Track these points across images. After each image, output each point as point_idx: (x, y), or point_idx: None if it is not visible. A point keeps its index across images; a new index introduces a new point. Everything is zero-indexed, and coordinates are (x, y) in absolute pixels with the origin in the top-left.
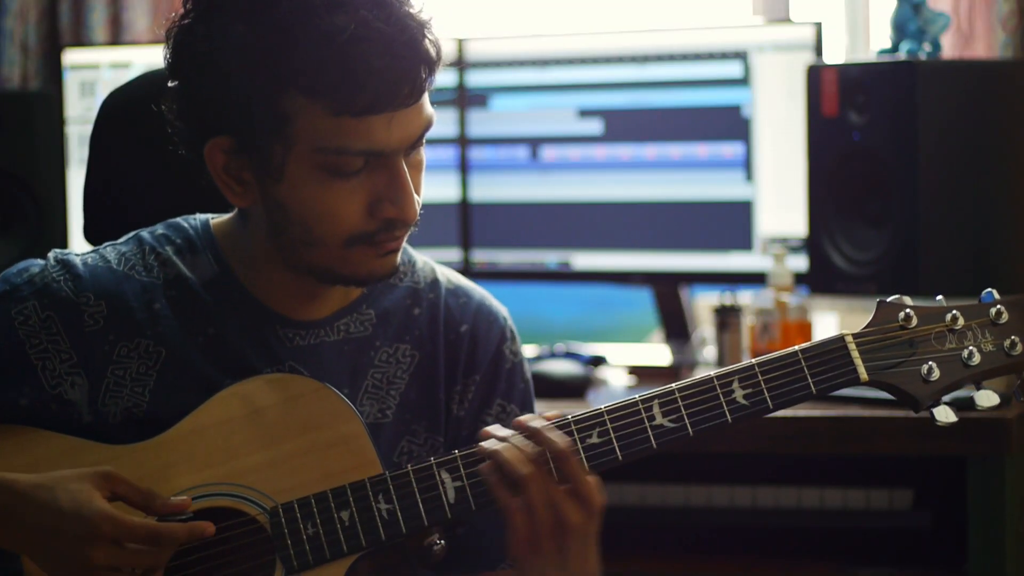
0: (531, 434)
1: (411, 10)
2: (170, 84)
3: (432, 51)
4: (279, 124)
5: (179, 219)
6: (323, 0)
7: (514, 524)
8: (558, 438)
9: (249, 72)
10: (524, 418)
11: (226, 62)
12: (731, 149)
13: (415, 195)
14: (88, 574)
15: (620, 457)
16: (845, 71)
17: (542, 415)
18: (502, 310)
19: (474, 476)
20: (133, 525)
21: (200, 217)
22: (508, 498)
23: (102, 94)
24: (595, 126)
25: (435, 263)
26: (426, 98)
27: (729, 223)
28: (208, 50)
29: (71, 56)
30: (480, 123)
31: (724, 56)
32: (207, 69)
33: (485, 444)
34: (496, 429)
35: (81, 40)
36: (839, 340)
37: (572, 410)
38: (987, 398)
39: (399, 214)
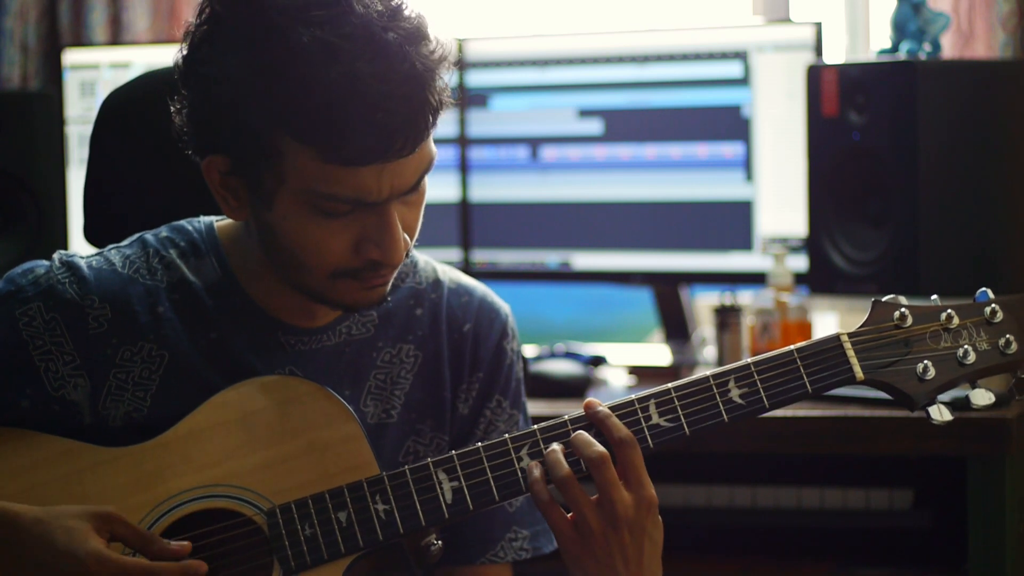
0: (598, 421)
1: (424, 51)
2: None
3: (434, 101)
4: (270, 158)
5: (183, 221)
6: (320, 48)
7: (553, 524)
8: (620, 427)
9: (242, 104)
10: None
11: (223, 91)
12: (731, 149)
13: (404, 237)
14: None
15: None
16: (845, 71)
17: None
18: (504, 307)
19: (471, 476)
20: (125, 565)
21: (204, 220)
22: (542, 494)
23: (102, 94)
24: (595, 126)
25: (436, 262)
26: (428, 139)
27: (729, 223)
28: (208, 74)
29: (71, 56)
30: (480, 123)
31: (724, 56)
32: (207, 92)
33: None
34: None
35: (81, 40)
36: (835, 339)
37: (572, 410)
38: (982, 397)
39: (383, 257)
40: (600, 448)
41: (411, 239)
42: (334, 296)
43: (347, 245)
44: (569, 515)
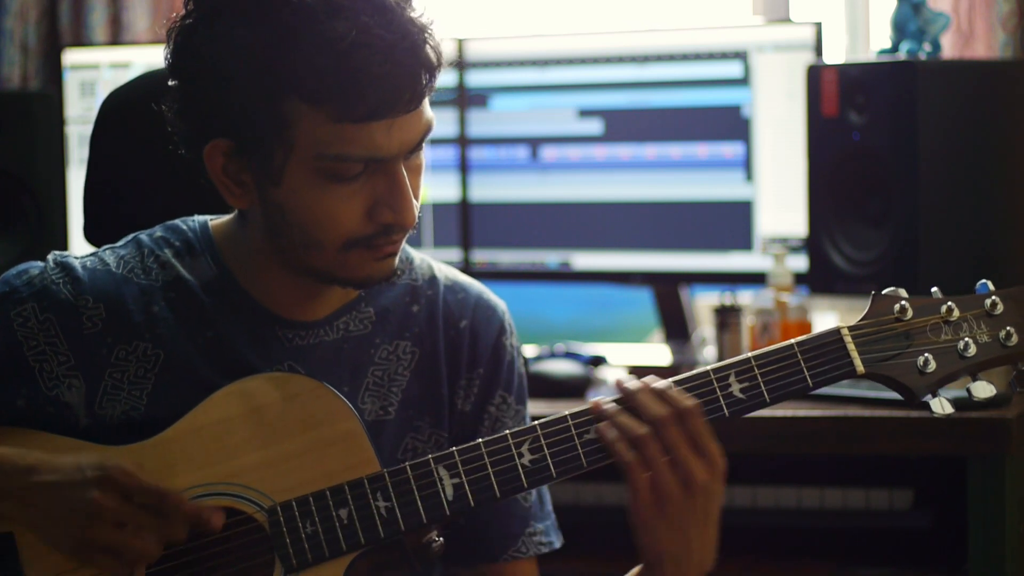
0: (659, 394)
1: (412, 15)
2: (170, 84)
3: (433, 56)
4: (279, 129)
5: (177, 221)
6: (324, 6)
7: (634, 484)
8: (685, 397)
9: (250, 77)
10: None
11: (227, 66)
12: (731, 149)
13: (413, 199)
14: (89, 526)
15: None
16: (845, 71)
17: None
18: (500, 304)
19: (472, 472)
20: (144, 482)
21: (198, 219)
22: (626, 454)
23: (102, 94)
24: (595, 126)
25: (432, 260)
26: (426, 103)
27: (729, 223)
28: (209, 53)
29: (71, 56)
30: (480, 123)
31: (724, 56)
32: (208, 71)
33: (603, 405)
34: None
35: (81, 40)
36: (835, 333)
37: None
38: (983, 389)
39: (397, 219)
40: (663, 409)
41: (417, 205)
42: (345, 272)
43: (360, 211)
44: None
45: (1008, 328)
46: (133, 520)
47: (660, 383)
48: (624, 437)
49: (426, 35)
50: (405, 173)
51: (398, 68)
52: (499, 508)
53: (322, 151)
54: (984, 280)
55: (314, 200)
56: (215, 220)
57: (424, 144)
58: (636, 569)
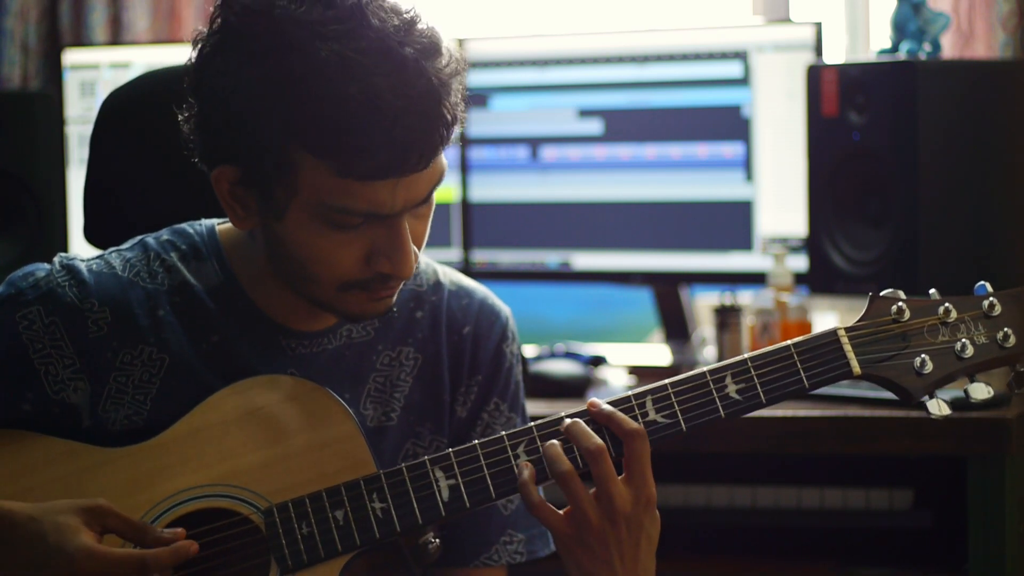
0: (604, 419)
1: (436, 67)
2: (190, 99)
3: (449, 115)
4: (284, 170)
5: (184, 225)
6: (338, 63)
7: (545, 520)
8: (628, 421)
9: (257, 117)
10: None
11: (236, 103)
12: (731, 149)
13: (413, 250)
14: None
15: (613, 455)
16: (845, 71)
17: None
18: (504, 310)
19: (468, 474)
20: (116, 558)
21: (206, 223)
22: (533, 495)
23: (102, 94)
24: (595, 126)
25: (437, 264)
26: (439, 155)
27: (729, 223)
28: (221, 85)
29: (71, 56)
30: (480, 123)
31: (724, 56)
32: (219, 103)
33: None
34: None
35: (81, 40)
36: (832, 334)
37: (572, 410)
38: (980, 391)
39: (394, 270)
40: (598, 440)
41: (419, 251)
42: (341, 306)
43: (358, 257)
44: (563, 510)
45: (1006, 329)
46: None
47: (605, 408)
48: (537, 477)
49: (445, 92)
50: (407, 225)
51: (408, 132)
52: (477, 513)
53: (324, 201)
54: (982, 281)
55: (313, 242)
56: (222, 225)
57: (434, 195)
58: None
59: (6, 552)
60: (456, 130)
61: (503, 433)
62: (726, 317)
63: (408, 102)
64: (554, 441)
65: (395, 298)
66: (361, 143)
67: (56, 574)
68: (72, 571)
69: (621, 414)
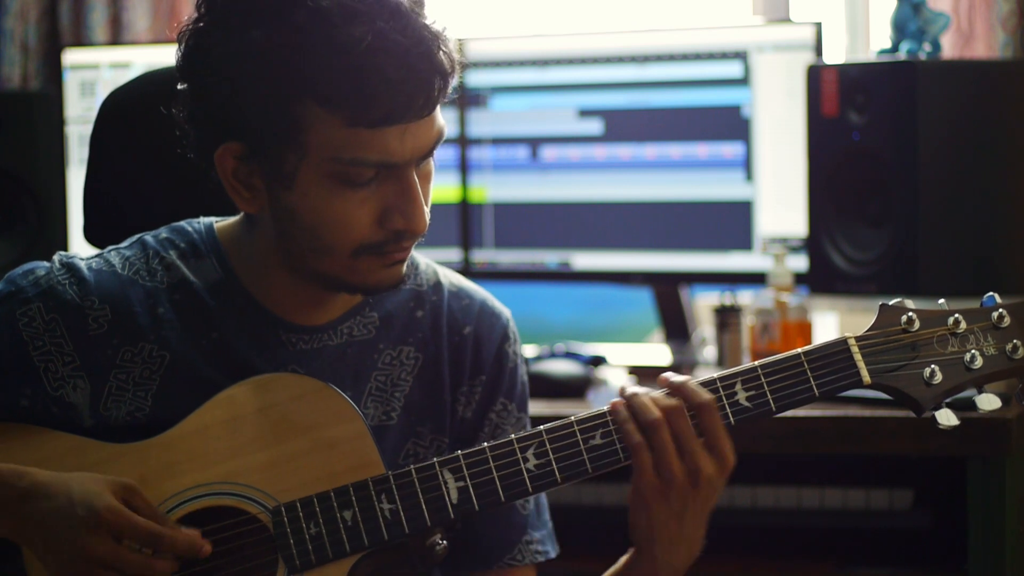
0: (676, 388)
1: (426, 21)
2: (180, 87)
3: (446, 62)
4: (292, 132)
5: (183, 223)
6: (340, 10)
7: (640, 466)
8: (701, 391)
9: (263, 79)
10: (668, 374)
11: (241, 68)
12: (731, 149)
13: (424, 206)
14: (84, 565)
15: (622, 458)
16: (845, 71)
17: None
18: (504, 311)
19: (477, 476)
20: (136, 522)
21: (204, 221)
22: (634, 435)
23: (102, 94)
24: (595, 126)
25: (437, 265)
26: (438, 110)
27: (729, 223)
28: (223, 54)
29: (71, 56)
30: (480, 123)
31: (724, 56)
32: (222, 74)
33: (625, 388)
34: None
35: (81, 40)
36: (842, 343)
37: (572, 411)
38: (989, 401)
39: (408, 225)
40: (707, 394)
41: (427, 212)
42: (354, 278)
43: (371, 217)
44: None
45: (1015, 341)
46: (123, 565)
47: (678, 378)
48: (635, 419)
49: (439, 41)
50: (416, 179)
51: (413, 73)
52: (497, 515)
53: (335, 155)
54: (991, 293)
55: (326, 204)
56: (220, 222)
57: (434, 153)
58: (627, 555)
59: (26, 507)
60: (455, 80)
61: (512, 436)
62: (726, 317)
63: (411, 43)
64: (636, 388)
65: (405, 267)
66: (371, 87)
67: (76, 525)
68: (94, 523)
69: (695, 384)
